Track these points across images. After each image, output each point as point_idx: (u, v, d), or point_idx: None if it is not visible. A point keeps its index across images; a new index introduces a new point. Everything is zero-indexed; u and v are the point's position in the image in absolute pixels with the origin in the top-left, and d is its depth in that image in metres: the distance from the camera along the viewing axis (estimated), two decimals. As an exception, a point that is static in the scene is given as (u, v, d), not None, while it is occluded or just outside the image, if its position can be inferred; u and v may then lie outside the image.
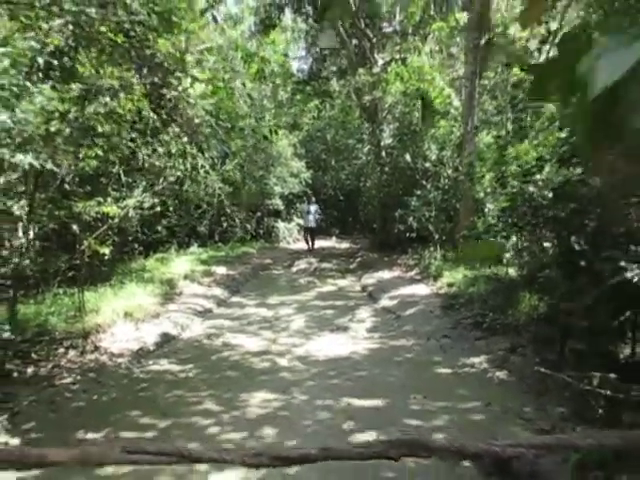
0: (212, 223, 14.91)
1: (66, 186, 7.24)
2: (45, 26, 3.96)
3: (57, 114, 4.13)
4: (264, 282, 12.13)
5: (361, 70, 13.98)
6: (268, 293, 10.37)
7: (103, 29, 4.05)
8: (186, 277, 10.51)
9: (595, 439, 1.13)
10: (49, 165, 4.30)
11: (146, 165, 6.40)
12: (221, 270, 12.21)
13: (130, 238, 10.63)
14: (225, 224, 16.06)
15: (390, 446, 1.12)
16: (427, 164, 12.40)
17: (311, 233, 15.97)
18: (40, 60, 3.73)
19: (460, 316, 6.78)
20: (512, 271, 6.98)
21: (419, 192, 11.59)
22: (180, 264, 11.40)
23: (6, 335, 4.78)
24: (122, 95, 4.66)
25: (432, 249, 10.82)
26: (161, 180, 9.04)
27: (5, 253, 5.87)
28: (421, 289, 9.04)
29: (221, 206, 10.83)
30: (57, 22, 3.98)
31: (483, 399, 4.14)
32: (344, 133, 21.30)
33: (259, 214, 18.36)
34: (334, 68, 17.41)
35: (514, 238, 6.59)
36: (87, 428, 3.88)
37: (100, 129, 5.12)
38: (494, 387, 4.46)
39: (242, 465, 1.13)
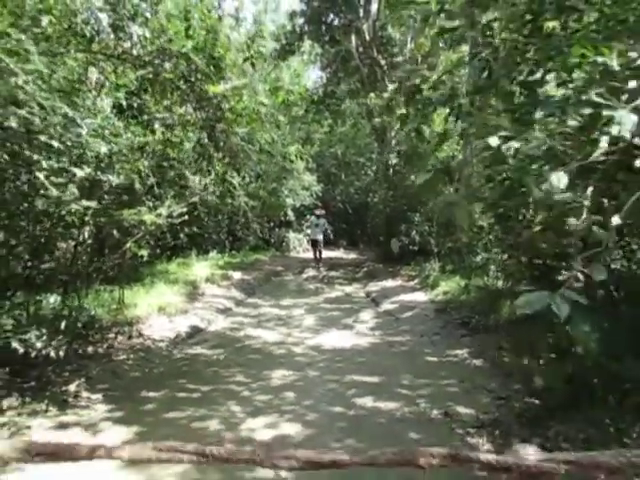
0: (229, 232, 16.07)
1: (106, 196, 8.40)
2: (131, 76, 5.07)
3: (139, 145, 5.25)
4: (276, 286, 13.22)
5: (372, 94, 15.13)
6: (281, 296, 11.44)
7: (169, 75, 5.15)
8: (207, 280, 11.61)
9: (626, 458, 1.12)
10: (120, 180, 5.43)
11: (187, 182, 7.52)
12: (237, 275, 13.31)
13: (160, 243, 11.76)
14: (240, 233, 17.24)
15: (420, 455, 1.13)
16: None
17: (317, 245, 16.30)
18: (123, 103, 4.83)
19: (450, 318, 7.83)
20: (499, 282, 8.03)
21: (422, 209, 12.68)
22: (200, 268, 12.50)
23: (85, 319, 5.85)
24: (180, 126, 5.78)
25: (432, 261, 11.87)
26: (188, 192, 10.21)
27: (59, 254, 6.94)
28: (419, 296, 10.09)
29: (245, 218, 12.00)
30: (140, 72, 5.12)
31: (459, 378, 5.20)
32: (354, 151, 22.44)
33: (271, 224, 19.52)
34: (347, 90, 18.56)
35: (500, 254, 7.63)
36: (148, 389, 4.98)
37: (154, 150, 6.25)
38: (470, 370, 5.51)
39: (271, 468, 1.17)
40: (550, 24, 2.58)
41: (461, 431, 3.92)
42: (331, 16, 15.28)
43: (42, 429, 3.91)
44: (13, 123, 3.16)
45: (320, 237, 15.87)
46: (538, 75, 2.45)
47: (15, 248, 4.87)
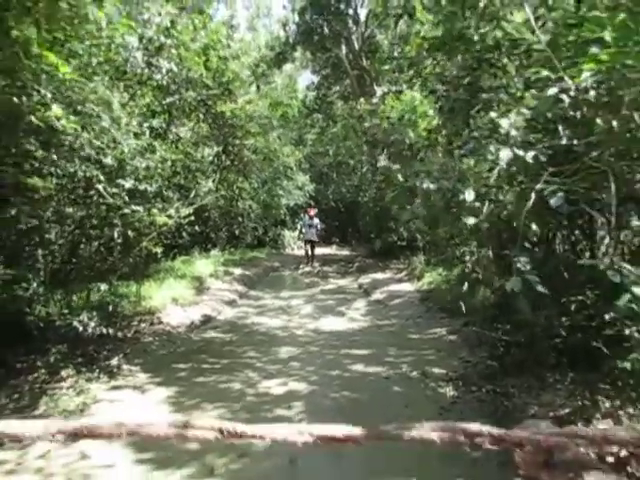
0: (229, 231, 17.05)
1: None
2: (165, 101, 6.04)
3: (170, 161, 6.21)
4: (275, 281, 14.22)
5: (362, 99, 16.16)
6: (279, 289, 12.45)
7: (191, 100, 6.11)
8: (211, 275, 12.57)
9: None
10: (153, 189, 6.40)
11: (200, 188, 8.52)
12: (238, 271, 14.28)
13: (166, 242, 12.70)
14: (237, 232, 18.23)
15: (431, 429, 1.14)
16: (417, 183, 14.50)
17: (312, 245, 16.67)
18: (154, 123, 5.79)
19: (433, 304, 8.87)
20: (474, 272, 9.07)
21: (409, 207, 13.69)
22: (203, 265, 13.44)
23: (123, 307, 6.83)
24: (200, 142, 6.75)
25: (419, 255, 12.92)
26: (199, 196, 11.19)
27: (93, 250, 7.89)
28: (406, 287, 11.13)
29: (243, 218, 13.05)
30: (168, 100, 6.08)
31: (436, 349, 6.24)
32: (345, 153, 23.47)
33: (267, 223, 20.53)
34: (337, 94, 19.59)
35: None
36: (176, 363, 5.97)
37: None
38: (446, 344, 6.54)
39: (287, 442, 1.14)
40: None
41: (433, 384, 4.96)
42: (322, 26, 16.26)
43: (101, 390, 4.89)
44: (91, 151, 4.10)
45: (314, 237, 16.37)
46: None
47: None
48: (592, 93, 2.41)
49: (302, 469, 3.39)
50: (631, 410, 3.86)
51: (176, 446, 3.67)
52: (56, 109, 3.52)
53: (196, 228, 15.50)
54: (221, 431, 1.15)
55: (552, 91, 2.49)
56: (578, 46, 2.67)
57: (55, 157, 4.03)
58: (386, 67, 15.98)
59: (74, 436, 1.18)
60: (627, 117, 2.35)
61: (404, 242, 14.62)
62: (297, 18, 16.46)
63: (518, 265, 2.82)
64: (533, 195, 2.40)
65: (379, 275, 13.31)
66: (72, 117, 3.71)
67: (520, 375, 4.91)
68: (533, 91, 2.70)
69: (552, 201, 2.32)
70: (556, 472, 1.04)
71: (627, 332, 3.89)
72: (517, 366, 5.06)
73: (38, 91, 3.46)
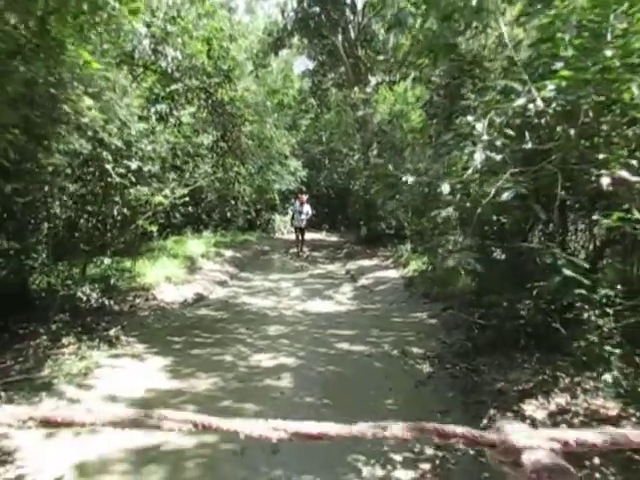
0: (220, 213, 17.34)
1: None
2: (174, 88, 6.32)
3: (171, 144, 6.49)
4: (265, 264, 14.58)
5: (356, 89, 16.42)
6: (270, 272, 12.81)
7: (194, 88, 6.38)
8: (203, 256, 12.88)
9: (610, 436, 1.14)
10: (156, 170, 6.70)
11: (197, 171, 8.81)
12: (229, 253, 14.60)
13: (160, 221, 12.98)
14: (229, 214, 18.50)
15: (407, 429, 1.16)
16: (410, 166, 14.88)
17: (301, 232, 16.55)
18: (158, 108, 6.07)
19: (416, 290, 9.28)
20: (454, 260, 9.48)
21: (397, 196, 14.08)
22: (194, 246, 13.74)
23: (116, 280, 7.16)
24: (200, 128, 7.03)
25: (406, 244, 13.32)
26: (188, 176, 11.48)
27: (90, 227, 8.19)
28: (392, 273, 11.54)
29: (236, 201, 13.37)
30: (173, 87, 6.36)
31: (417, 331, 6.65)
32: (338, 139, 23.73)
33: (258, 207, 20.82)
34: (332, 82, 19.81)
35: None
36: (171, 336, 6.32)
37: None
38: (426, 327, 6.95)
39: (263, 439, 1.13)
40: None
41: (412, 362, 5.37)
42: (319, 14, 16.43)
43: (102, 357, 5.24)
44: (104, 134, 4.41)
45: (304, 224, 16.17)
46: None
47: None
48: (554, 104, 2.76)
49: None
50: (587, 386, 4.31)
51: (177, 406, 4.06)
52: (87, 100, 3.84)
53: (189, 209, 15.82)
54: (195, 424, 1.15)
55: (520, 101, 2.84)
56: (545, 63, 3.02)
57: (66, 136, 4.32)
58: (380, 57, 16.24)
59: (45, 423, 1.14)
60: (584, 125, 2.71)
61: (392, 231, 15.02)
62: (295, 4, 16.63)
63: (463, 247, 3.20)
64: (493, 191, 2.76)
65: (366, 262, 13.71)
66: (96, 105, 4.02)
67: (492, 355, 5.33)
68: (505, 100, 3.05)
69: (504, 196, 2.69)
70: (521, 470, 1.08)
71: (585, 316, 4.32)
72: (489, 347, 5.48)
73: (72, 84, 3.76)
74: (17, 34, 3.41)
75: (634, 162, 2.51)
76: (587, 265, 3.09)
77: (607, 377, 3.98)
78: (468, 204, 3.26)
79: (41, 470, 3.11)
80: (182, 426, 1.15)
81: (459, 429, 1.17)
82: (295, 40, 18.46)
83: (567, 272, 2.86)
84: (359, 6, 17.41)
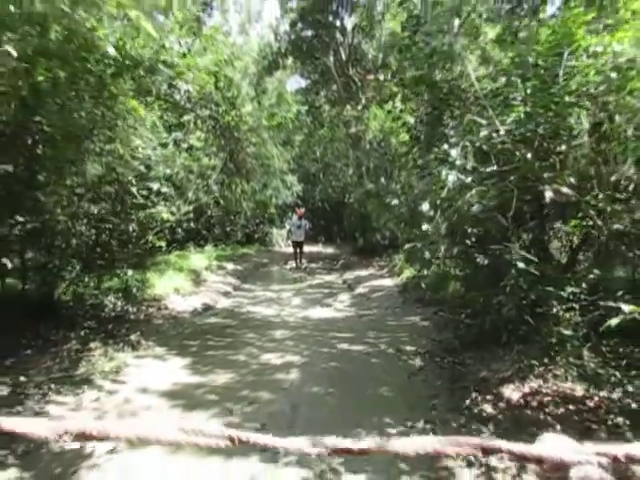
0: (221, 228, 18.00)
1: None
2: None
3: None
4: (265, 275, 15.20)
5: (348, 107, 17.20)
6: (270, 283, 13.43)
7: (204, 117, 7.08)
8: (206, 269, 13.51)
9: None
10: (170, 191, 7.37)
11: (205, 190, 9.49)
12: (230, 265, 15.24)
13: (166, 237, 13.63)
14: (229, 229, 19.17)
15: (448, 443, 1.11)
16: (398, 186, 15.62)
17: (300, 246, 16.86)
18: (174, 136, 6.76)
19: (410, 296, 9.93)
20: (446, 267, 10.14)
21: (387, 213, 14.81)
22: (197, 260, 14.36)
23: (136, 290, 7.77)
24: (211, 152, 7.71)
25: (400, 253, 13.99)
26: (190, 194, 12.17)
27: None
28: (387, 282, 12.19)
29: (235, 216, 14.06)
30: (186, 117, 7.05)
31: (410, 332, 7.29)
32: (331, 152, 24.50)
33: (257, 221, 21.51)
34: (325, 99, 20.60)
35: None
36: (187, 340, 6.93)
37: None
38: (419, 329, 7.59)
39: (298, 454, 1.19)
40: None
41: (405, 357, 6.01)
42: (311, 39, 17.26)
43: (128, 358, 5.84)
44: (134, 161, 5.07)
45: (302, 238, 16.61)
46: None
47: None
48: (515, 132, 3.43)
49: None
50: (557, 372, 4.96)
51: (201, 396, 4.68)
52: (137, 140, 4.53)
53: (191, 224, 16.48)
54: (232, 439, 1.13)
55: (485, 132, 3.52)
56: (506, 98, 3.71)
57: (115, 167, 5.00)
58: (371, 77, 17.04)
59: (81, 437, 1.15)
60: (538, 149, 3.37)
61: (386, 241, 15.72)
62: (288, 28, 17.45)
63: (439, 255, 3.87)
64: (459, 204, 3.42)
65: (362, 272, 14.37)
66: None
67: (477, 350, 5.97)
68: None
69: (473, 209, 3.34)
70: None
71: (554, 310, 4.97)
72: (474, 343, 6.12)
73: (123, 128, 4.44)
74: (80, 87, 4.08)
75: (572, 179, 3.17)
76: (544, 261, 3.74)
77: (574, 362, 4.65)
78: (445, 218, 3.91)
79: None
80: (219, 442, 1.13)
81: (504, 444, 1.10)
82: (289, 62, 19.27)
83: (520, 265, 3.51)
84: (349, 28, 18.27)
